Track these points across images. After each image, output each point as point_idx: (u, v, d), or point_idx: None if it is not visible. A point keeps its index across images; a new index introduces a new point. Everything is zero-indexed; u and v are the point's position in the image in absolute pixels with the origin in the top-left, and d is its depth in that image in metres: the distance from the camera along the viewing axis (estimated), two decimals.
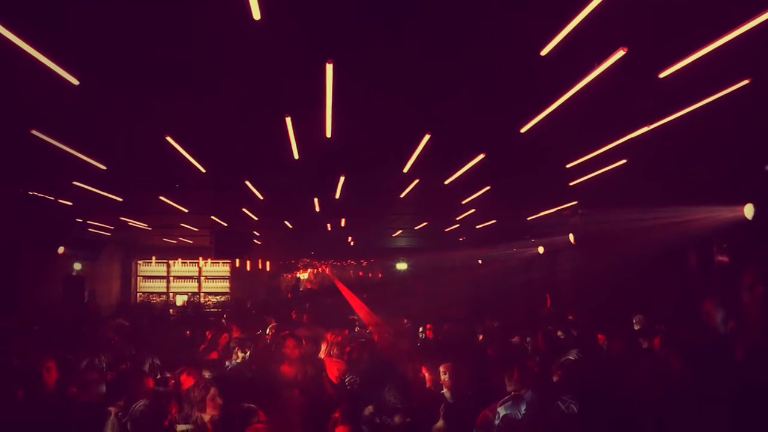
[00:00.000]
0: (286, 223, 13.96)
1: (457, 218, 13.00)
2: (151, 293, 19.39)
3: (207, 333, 8.17)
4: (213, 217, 12.74)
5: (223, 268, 19.73)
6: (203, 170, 7.65)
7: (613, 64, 4.33)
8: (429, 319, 9.79)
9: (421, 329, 9.64)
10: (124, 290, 18.61)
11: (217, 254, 14.22)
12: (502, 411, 4.21)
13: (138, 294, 19.23)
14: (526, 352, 7.04)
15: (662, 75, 4.62)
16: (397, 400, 4.43)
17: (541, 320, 9.87)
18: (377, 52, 4.55)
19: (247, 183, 8.87)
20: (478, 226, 14.48)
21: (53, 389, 4.97)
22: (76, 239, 12.09)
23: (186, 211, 11.25)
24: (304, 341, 6.50)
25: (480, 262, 20.00)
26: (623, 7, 3.68)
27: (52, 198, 9.06)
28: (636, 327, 7.93)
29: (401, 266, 21.61)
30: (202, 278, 19.71)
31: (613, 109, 5.62)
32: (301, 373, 5.78)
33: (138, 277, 19.35)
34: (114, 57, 4.50)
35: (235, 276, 19.73)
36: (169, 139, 6.32)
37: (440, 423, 4.50)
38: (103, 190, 8.92)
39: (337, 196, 9.58)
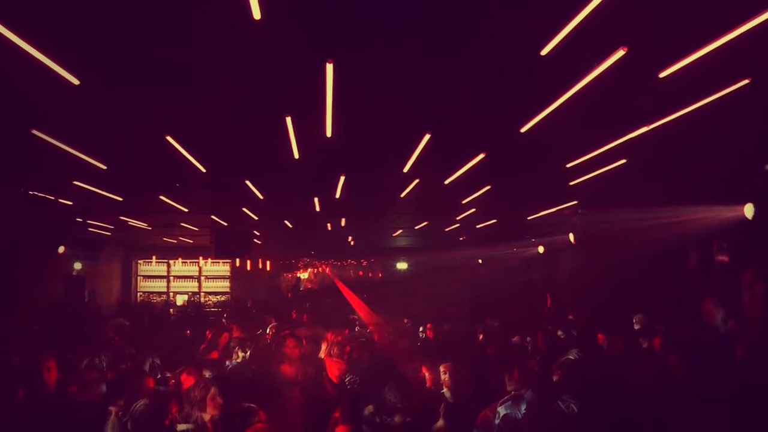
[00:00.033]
0: (287, 222, 13.95)
1: (458, 218, 12.98)
2: (152, 293, 19.38)
3: (207, 332, 8.19)
4: (213, 217, 12.72)
5: (223, 267, 19.72)
6: (203, 170, 7.65)
7: (613, 64, 4.33)
8: (429, 319, 9.80)
9: (421, 329, 9.65)
10: (125, 290, 18.61)
11: (218, 254, 14.23)
12: (502, 410, 4.21)
13: (138, 293, 19.23)
14: (527, 351, 7.04)
15: (662, 75, 4.62)
16: (398, 399, 4.43)
17: (542, 320, 9.87)
18: (377, 52, 4.54)
19: (248, 183, 8.86)
20: (478, 226, 14.47)
21: (53, 389, 4.97)
22: (76, 239, 12.07)
23: (186, 210, 11.23)
24: (304, 341, 6.51)
25: (480, 261, 19.97)
26: (623, 7, 3.68)
27: (53, 198, 9.06)
28: (636, 327, 7.92)
29: (401, 266, 21.57)
30: (203, 278, 19.70)
31: (613, 109, 5.61)
32: (302, 373, 5.78)
33: (138, 277, 19.34)
34: (114, 57, 4.50)
35: (236, 275, 19.71)
36: (169, 138, 6.32)
37: (440, 423, 4.51)
38: (103, 190, 8.92)
39: (338, 195, 9.58)
